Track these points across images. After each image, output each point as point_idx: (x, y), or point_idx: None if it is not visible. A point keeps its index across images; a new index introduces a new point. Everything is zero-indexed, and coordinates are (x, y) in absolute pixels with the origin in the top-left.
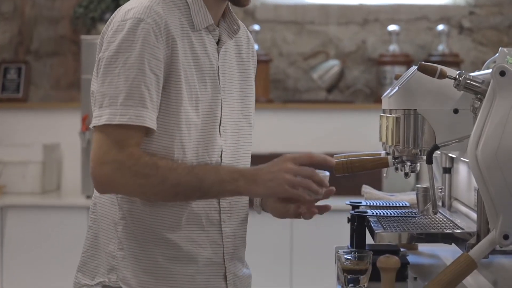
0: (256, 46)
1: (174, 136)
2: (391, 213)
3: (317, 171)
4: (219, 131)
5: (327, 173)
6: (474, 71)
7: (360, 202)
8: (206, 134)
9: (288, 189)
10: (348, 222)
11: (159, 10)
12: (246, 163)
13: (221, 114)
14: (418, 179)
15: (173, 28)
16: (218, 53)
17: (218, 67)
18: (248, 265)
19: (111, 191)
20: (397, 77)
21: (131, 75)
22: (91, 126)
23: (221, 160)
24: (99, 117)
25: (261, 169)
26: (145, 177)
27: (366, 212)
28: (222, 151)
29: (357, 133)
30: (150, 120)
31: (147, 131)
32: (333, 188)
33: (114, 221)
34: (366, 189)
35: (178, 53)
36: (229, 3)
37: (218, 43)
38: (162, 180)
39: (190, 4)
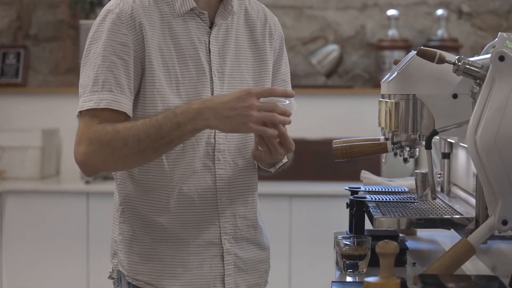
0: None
1: (149, 116)
2: (390, 199)
3: (277, 99)
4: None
5: (287, 101)
6: (473, 56)
7: (359, 188)
8: None
9: (252, 126)
10: (347, 208)
11: (129, 1)
12: (249, 145)
13: (212, 95)
14: (417, 164)
15: (144, 15)
16: (209, 35)
17: (210, 49)
18: (268, 248)
19: (92, 169)
20: (396, 62)
21: (97, 63)
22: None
23: (215, 141)
24: (78, 107)
25: (223, 103)
26: (109, 145)
27: (365, 198)
28: (215, 132)
29: (356, 118)
30: (115, 102)
31: (120, 113)
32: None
33: (116, 207)
34: (365, 174)
35: (149, 39)
36: None
37: (212, 26)
38: (124, 142)
39: None
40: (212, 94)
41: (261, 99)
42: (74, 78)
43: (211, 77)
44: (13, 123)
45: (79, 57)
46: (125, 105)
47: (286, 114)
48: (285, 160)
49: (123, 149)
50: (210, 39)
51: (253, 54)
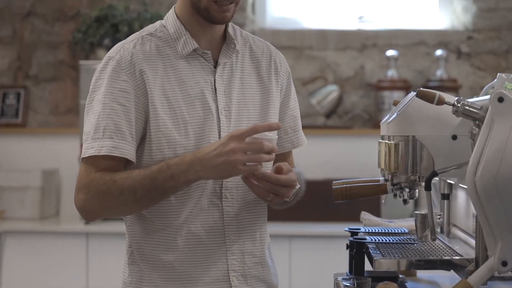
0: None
1: (154, 159)
2: (389, 240)
3: (264, 134)
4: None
5: (275, 136)
6: (472, 96)
7: (359, 229)
8: None
9: (241, 168)
10: (347, 249)
11: (129, 47)
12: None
13: (219, 134)
14: (416, 205)
15: (145, 60)
16: (214, 74)
17: (215, 88)
18: (277, 286)
19: (91, 215)
20: (395, 103)
21: (98, 110)
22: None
23: (222, 181)
24: (81, 154)
25: (209, 152)
26: (106, 194)
27: (365, 239)
28: None
29: (356, 158)
30: (115, 148)
31: (121, 159)
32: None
33: (126, 249)
34: (365, 215)
35: (151, 83)
36: (229, 25)
37: (216, 65)
38: (121, 191)
39: (172, 34)
40: (220, 133)
41: (252, 137)
42: (74, 119)
43: (218, 116)
44: (13, 163)
45: (79, 97)
46: (126, 150)
47: (274, 151)
48: (297, 186)
49: (120, 198)
50: (216, 78)
51: (260, 91)
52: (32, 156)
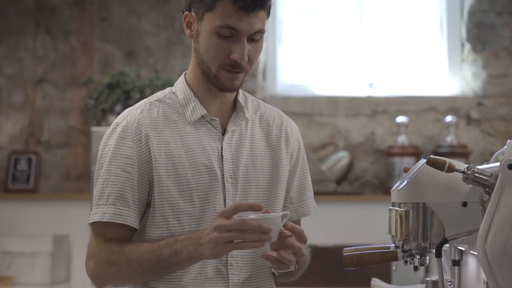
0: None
1: (160, 227)
2: None
3: (261, 215)
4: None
5: (274, 215)
6: (482, 162)
7: None
8: (206, 222)
9: (227, 246)
10: None
11: (136, 112)
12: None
13: (224, 202)
14: (427, 271)
15: (151, 127)
16: (222, 141)
17: (222, 155)
18: None
19: (101, 283)
20: (406, 170)
21: (104, 177)
22: None
23: None
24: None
25: (205, 230)
26: (115, 264)
27: None
28: None
29: (366, 224)
30: (117, 215)
31: (126, 226)
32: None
33: None
34: (375, 282)
35: (156, 150)
36: (239, 92)
37: (225, 132)
38: (128, 263)
39: (181, 100)
40: (225, 200)
41: (255, 215)
42: (85, 185)
43: (223, 183)
44: (24, 229)
45: (91, 163)
46: (129, 217)
47: (261, 229)
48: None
49: (128, 269)
50: (223, 145)
51: (269, 160)
52: (43, 221)
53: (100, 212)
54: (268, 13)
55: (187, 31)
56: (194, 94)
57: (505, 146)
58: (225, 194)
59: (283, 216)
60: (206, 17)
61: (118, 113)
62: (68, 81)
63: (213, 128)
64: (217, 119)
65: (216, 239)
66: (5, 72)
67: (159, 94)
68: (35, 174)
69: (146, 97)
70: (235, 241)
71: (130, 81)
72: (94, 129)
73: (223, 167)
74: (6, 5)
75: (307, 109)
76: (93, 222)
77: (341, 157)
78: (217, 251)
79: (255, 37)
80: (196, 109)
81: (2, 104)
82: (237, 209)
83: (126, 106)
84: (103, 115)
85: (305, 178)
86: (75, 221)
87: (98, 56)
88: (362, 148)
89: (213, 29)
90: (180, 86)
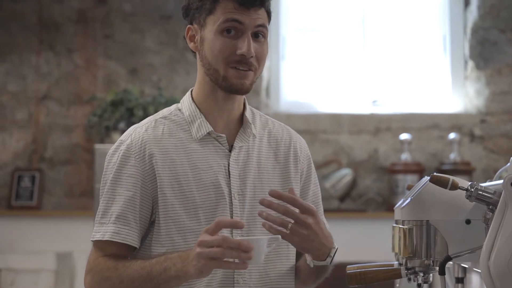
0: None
1: (164, 245)
2: None
3: (247, 238)
4: (231, 236)
5: (261, 237)
6: (486, 179)
7: None
8: None
9: (209, 262)
10: None
11: (141, 130)
12: (271, 264)
13: (231, 218)
14: None
15: (155, 145)
16: (229, 158)
17: (229, 172)
18: None
19: None
20: (409, 187)
21: (107, 196)
22: None
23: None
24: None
25: (191, 249)
26: (107, 281)
27: None
28: None
29: (370, 242)
30: (117, 234)
31: (124, 244)
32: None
33: None
34: None
35: (160, 168)
36: (247, 108)
37: (232, 148)
38: (120, 279)
39: (186, 117)
40: (232, 217)
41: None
42: (89, 202)
43: (231, 200)
44: (27, 246)
45: (94, 180)
46: (129, 237)
47: (241, 247)
48: (335, 245)
49: (119, 286)
50: (230, 162)
51: (278, 176)
52: (47, 238)
53: (102, 230)
54: (269, 16)
55: (191, 44)
56: (200, 111)
57: (509, 164)
58: (232, 211)
59: (271, 240)
60: (208, 21)
61: (122, 131)
62: (72, 98)
63: (220, 145)
64: (223, 135)
65: (198, 254)
66: (9, 89)
67: (165, 111)
68: (38, 191)
69: (150, 114)
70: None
71: (133, 99)
72: (98, 146)
73: (230, 184)
74: (9, 22)
75: (310, 126)
76: (95, 240)
77: (345, 174)
78: (199, 267)
79: (259, 32)
80: (202, 126)
81: (5, 121)
82: (219, 225)
83: (129, 123)
84: (107, 132)
85: (318, 194)
86: (79, 238)
87: (101, 73)
88: (366, 165)
89: (216, 28)
90: (186, 103)
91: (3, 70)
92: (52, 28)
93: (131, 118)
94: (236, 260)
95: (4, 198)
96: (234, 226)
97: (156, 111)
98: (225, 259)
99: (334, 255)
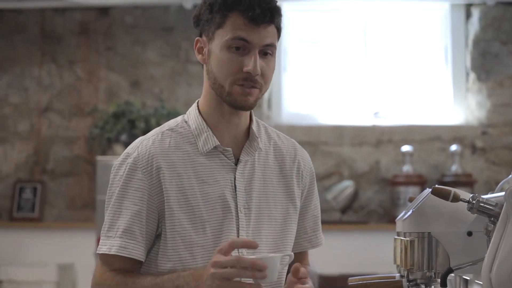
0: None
1: (171, 259)
2: None
3: (259, 256)
4: (237, 251)
5: (273, 255)
6: (487, 191)
7: None
8: None
9: (223, 283)
10: None
11: (148, 143)
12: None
13: (238, 232)
14: None
15: (163, 158)
16: (235, 172)
17: (235, 186)
18: None
19: None
20: (411, 200)
21: (113, 209)
22: None
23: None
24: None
25: (205, 268)
26: None
27: None
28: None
29: (371, 253)
30: (123, 249)
31: (130, 258)
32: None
33: None
34: None
35: (167, 181)
36: (253, 121)
37: (238, 162)
38: None
39: (193, 130)
40: (238, 231)
41: (259, 255)
42: (90, 213)
43: (237, 214)
44: (29, 258)
45: (96, 192)
46: (135, 251)
47: (255, 266)
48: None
49: None
50: (236, 176)
51: (282, 190)
52: (48, 250)
53: (108, 244)
54: (279, 32)
55: (199, 57)
56: (207, 124)
57: (510, 175)
58: (238, 225)
59: (285, 257)
60: (217, 35)
61: (124, 143)
62: (74, 110)
63: (226, 159)
64: (230, 149)
65: (212, 275)
66: (11, 101)
67: (172, 123)
68: (40, 202)
69: (152, 126)
70: (234, 279)
71: (135, 111)
72: (99, 158)
73: (236, 198)
74: (12, 34)
75: (312, 138)
76: (101, 253)
77: (346, 186)
78: (213, 287)
79: (267, 51)
80: (209, 140)
81: (7, 133)
82: (233, 245)
83: (131, 135)
84: (108, 144)
85: (318, 209)
86: (80, 250)
87: (103, 85)
88: (367, 177)
89: (224, 44)
90: (192, 115)
91: (5, 82)
92: (54, 40)
93: (132, 130)
94: (250, 280)
95: (6, 209)
96: (248, 246)
97: (157, 123)
98: (239, 279)
99: None
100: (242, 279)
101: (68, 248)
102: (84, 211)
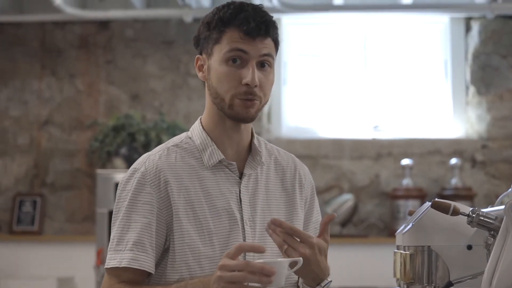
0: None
1: (179, 271)
2: None
3: (270, 259)
4: (244, 255)
5: (281, 260)
6: (487, 205)
7: None
8: None
9: (229, 286)
10: None
11: (155, 158)
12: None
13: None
14: None
15: (170, 172)
16: (239, 185)
17: (241, 199)
18: None
19: None
20: (410, 213)
21: (122, 223)
22: None
23: None
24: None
25: (212, 274)
26: None
27: None
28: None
29: (371, 267)
30: (134, 261)
31: (141, 271)
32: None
33: None
34: None
35: (175, 195)
36: (254, 136)
37: (242, 176)
38: None
39: (198, 145)
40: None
41: (263, 260)
42: (90, 227)
43: (243, 226)
44: (29, 271)
45: (96, 205)
46: (146, 263)
47: (263, 271)
48: (329, 279)
49: None
50: (241, 189)
51: (284, 203)
52: (48, 264)
53: (118, 257)
54: (276, 45)
55: (200, 74)
56: (211, 139)
57: (510, 189)
58: (244, 237)
59: (293, 262)
60: (215, 50)
61: (123, 156)
62: (74, 123)
63: (231, 172)
64: (234, 163)
65: (219, 278)
66: (11, 114)
67: (176, 140)
68: (40, 216)
69: (152, 140)
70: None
71: (135, 124)
72: (99, 171)
73: (242, 210)
74: (12, 47)
75: (312, 152)
76: (110, 267)
77: (346, 200)
78: None
79: (264, 62)
80: (214, 154)
81: (7, 146)
82: (240, 249)
83: (131, 148)
84: (108, 157)
85: (319, 220)
86: (80, 263)
87: (103, 98)
88: (367, 191)
89: (222, 57)
90: (196, 131)
91: (5, 95)
92: (54, 53)
93: (132, 143)
94: (257, 284)
95: (6, 223)
96: (255, 250)
97: (157, 136)
98: (246, 284)
99: (325, 286)
100: (249, 283)
101: (68, 261)
102: (84, 224)
